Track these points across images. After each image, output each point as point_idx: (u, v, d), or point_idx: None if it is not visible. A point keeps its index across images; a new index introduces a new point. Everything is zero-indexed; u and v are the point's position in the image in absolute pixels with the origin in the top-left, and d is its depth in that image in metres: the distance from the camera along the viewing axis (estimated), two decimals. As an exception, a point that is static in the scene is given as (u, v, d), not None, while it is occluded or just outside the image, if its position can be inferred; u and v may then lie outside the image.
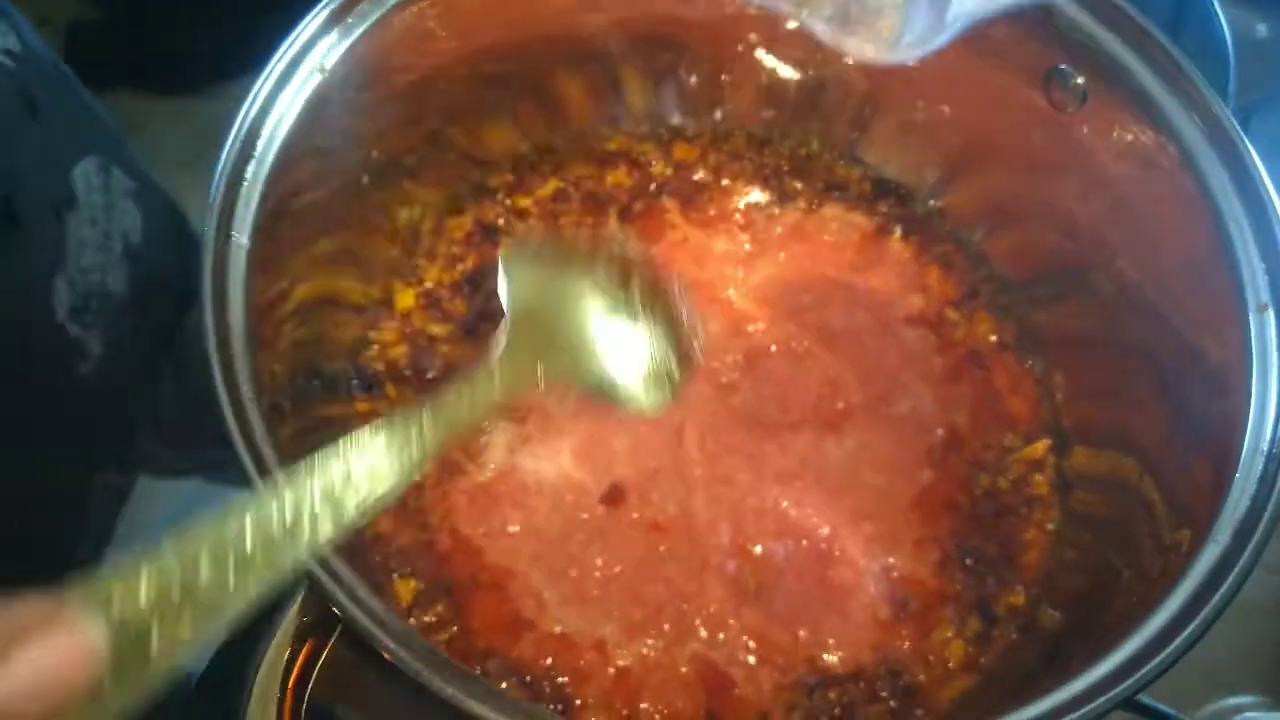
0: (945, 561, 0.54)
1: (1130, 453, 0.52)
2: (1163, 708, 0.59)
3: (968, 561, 0.54)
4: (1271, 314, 0.44)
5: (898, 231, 0.64)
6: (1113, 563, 0.49)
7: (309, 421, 0.49)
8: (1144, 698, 0.59)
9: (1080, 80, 0.52)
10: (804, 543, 0.54)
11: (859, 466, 0.56)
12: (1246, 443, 0.41)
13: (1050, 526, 0.55)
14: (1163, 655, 0.38)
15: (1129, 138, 0.51)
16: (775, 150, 0.66)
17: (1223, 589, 0.38)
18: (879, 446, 0.57)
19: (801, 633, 0.52)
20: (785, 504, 0.55)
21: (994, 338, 0.61)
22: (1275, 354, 0.43)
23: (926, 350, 0.60)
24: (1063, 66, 0.52)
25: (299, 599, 0.38)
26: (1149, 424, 0.50)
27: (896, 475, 0.56)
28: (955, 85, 0.57)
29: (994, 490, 0.56)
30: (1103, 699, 0.37)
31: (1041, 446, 0.57)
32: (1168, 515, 0.46)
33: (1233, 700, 0.66)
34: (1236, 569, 0.38)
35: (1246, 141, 0.47)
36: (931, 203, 0.64)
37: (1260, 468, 0.40)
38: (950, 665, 0.52)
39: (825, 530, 0.54)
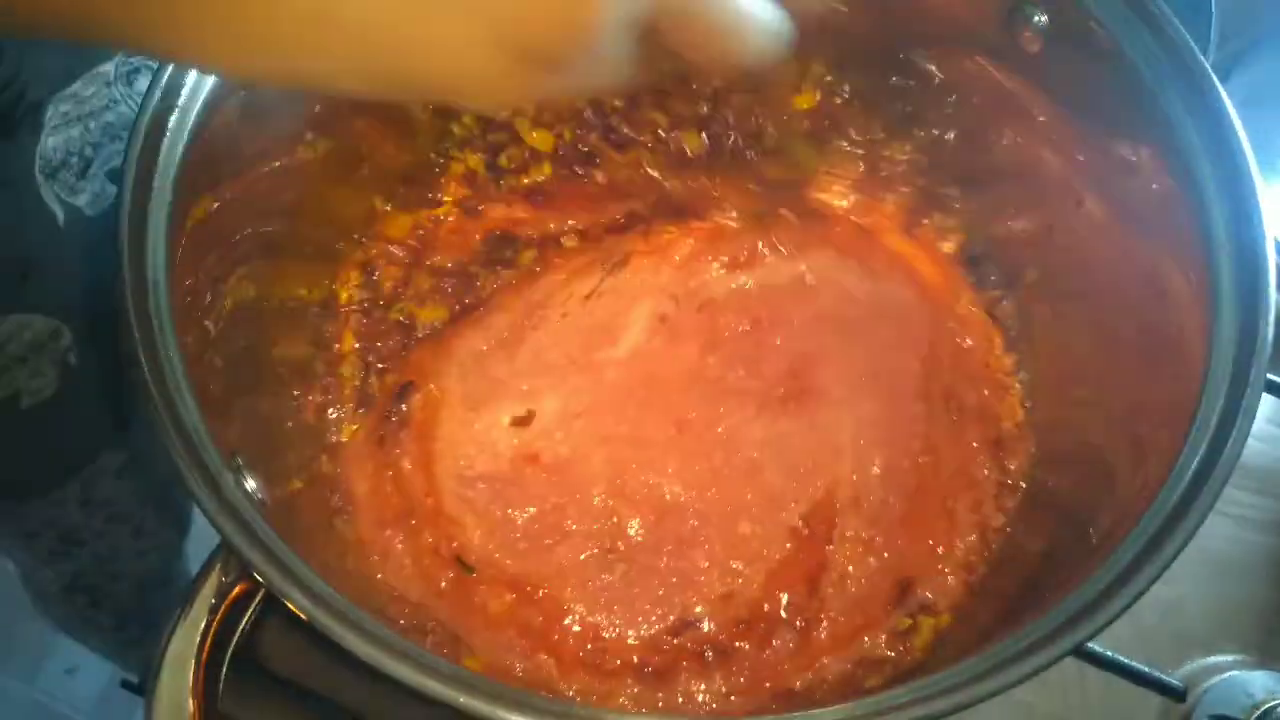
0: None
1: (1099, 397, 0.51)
2: (1138, 666, 0.58)
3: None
4: (1229, 257, 0.42)
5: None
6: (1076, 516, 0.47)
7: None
8: (1120, 657, 0.58)
9: (1043, 18, 0.50)
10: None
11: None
12: (1208, 384, 0.40)
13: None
14: (1115, 601, 0.36)
15: (1095, 77, 0.49)
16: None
17: (1185, 523, 0.37)
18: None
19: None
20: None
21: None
22: (1234, 292, 0.41)
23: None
24: (1026, 3, 0.50)
25: (221, 559, 0.37)
26: (1115, 368, 0.49)
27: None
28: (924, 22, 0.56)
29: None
30: (1061, 642, 0.36)
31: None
32: (1130, 461, 0.45)
33: (1212, 659, 0.64)
34: (1197, 505, 0.37)
35: (1214, 79, 0.45)
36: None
37: (1222, 402, 0.39)
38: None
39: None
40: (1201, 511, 0.37)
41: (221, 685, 0.37)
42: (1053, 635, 0.36)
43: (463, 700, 0.32)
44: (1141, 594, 0.37)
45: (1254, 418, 0.39)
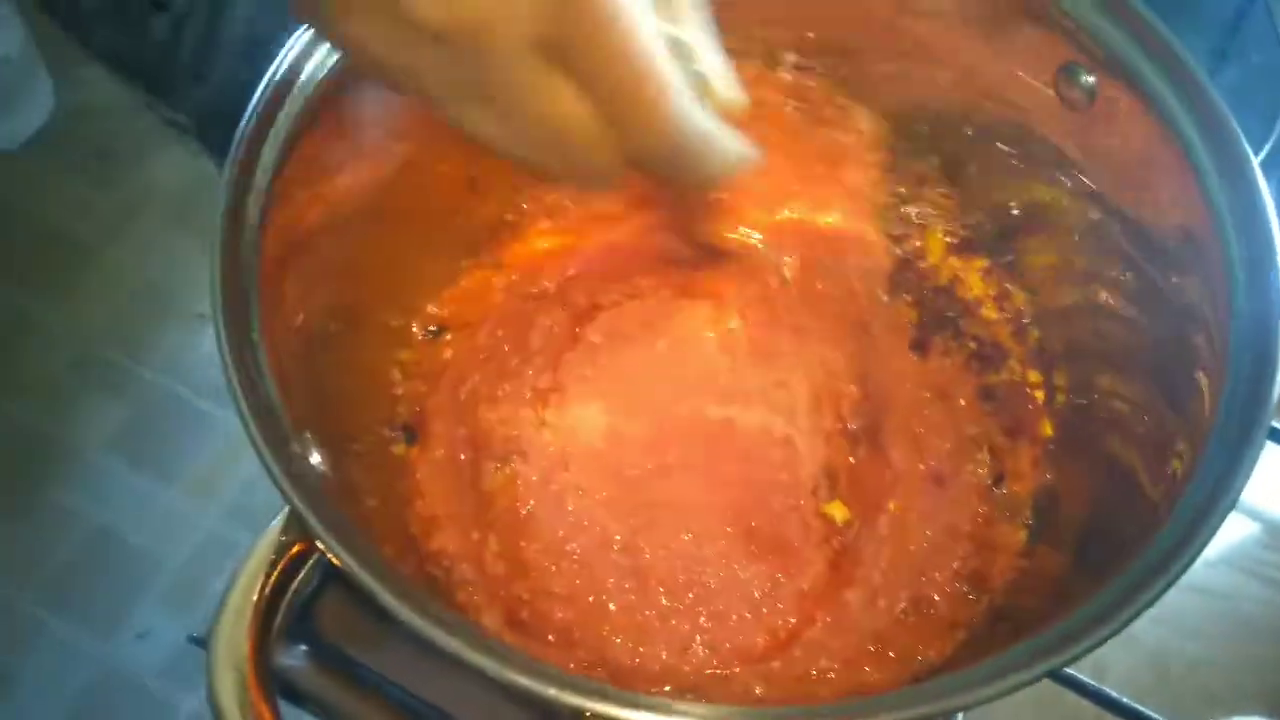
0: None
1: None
2: (1152, 715, 0.59)
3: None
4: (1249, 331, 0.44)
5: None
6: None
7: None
8: (1136, 704, 0.59)
9: (1091, 78, 0.52)
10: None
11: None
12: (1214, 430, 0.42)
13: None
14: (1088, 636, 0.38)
15: (1136, 139, 0.51)
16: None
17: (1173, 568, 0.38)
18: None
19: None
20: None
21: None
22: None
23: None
24: (1074, 63, 0.52)
25: (282, 523, 0.41)
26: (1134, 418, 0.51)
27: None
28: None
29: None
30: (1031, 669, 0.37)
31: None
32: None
33: (1236, 719, 0.65)
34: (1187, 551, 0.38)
35: (1249, 153, 0.46)
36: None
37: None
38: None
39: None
40: (1188, 559, 0.38)
41: (275, 639, 0.41)
42: (1024, 661, 0.37)
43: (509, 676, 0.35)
44: (1117, 632, 0.37)
45: (1253, 467, 0.40)
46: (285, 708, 0.58)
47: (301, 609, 0.60)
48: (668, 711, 0.36)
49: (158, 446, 1.55)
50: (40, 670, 1.42)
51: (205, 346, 1.57)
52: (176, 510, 1.52)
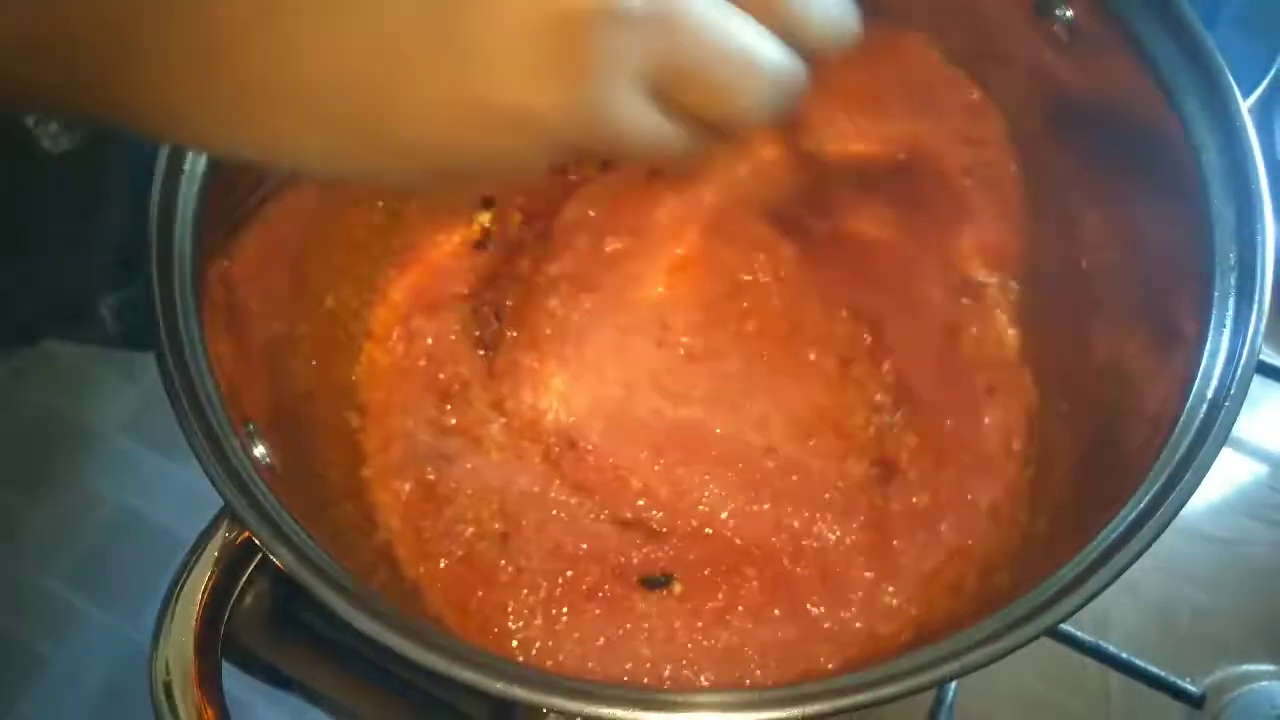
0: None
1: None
2: (1152, 669, 0.58)
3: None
4: (1234, 279, 0.41)
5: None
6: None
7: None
8: (1137, 660, 0.58)
9: (1069, 13, 0.49)
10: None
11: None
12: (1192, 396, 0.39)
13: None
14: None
15: (1116, 78, 0.48)
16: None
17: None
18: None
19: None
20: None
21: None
22: (1231, 318, 0.41)
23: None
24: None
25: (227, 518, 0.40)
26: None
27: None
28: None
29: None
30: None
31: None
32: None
33: (1244, 668, 0.63)
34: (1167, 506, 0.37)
35: (1236, 94, 0.44)
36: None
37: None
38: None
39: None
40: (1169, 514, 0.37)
41: (223, 634, 0.40)
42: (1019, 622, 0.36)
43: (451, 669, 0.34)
44: (1111, 582, 0.36)
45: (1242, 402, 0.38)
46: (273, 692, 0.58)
47: (285, 594, 0.59)
48: (621, 703, 0.35)
49: (172, 426, 1.56)
50: (71, 652, 1.44)
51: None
52: (194, 488, 1.52)
